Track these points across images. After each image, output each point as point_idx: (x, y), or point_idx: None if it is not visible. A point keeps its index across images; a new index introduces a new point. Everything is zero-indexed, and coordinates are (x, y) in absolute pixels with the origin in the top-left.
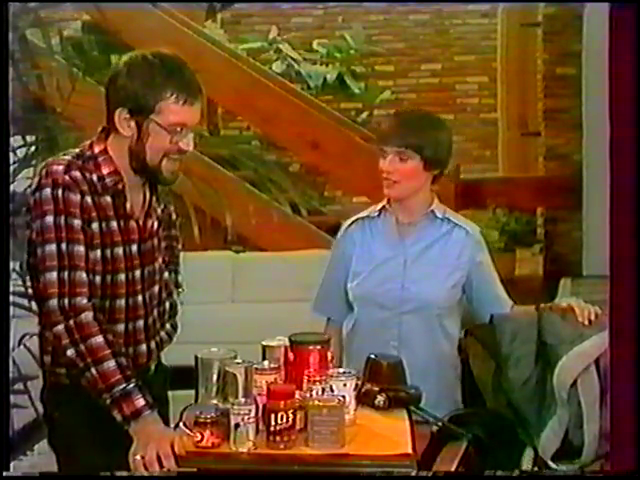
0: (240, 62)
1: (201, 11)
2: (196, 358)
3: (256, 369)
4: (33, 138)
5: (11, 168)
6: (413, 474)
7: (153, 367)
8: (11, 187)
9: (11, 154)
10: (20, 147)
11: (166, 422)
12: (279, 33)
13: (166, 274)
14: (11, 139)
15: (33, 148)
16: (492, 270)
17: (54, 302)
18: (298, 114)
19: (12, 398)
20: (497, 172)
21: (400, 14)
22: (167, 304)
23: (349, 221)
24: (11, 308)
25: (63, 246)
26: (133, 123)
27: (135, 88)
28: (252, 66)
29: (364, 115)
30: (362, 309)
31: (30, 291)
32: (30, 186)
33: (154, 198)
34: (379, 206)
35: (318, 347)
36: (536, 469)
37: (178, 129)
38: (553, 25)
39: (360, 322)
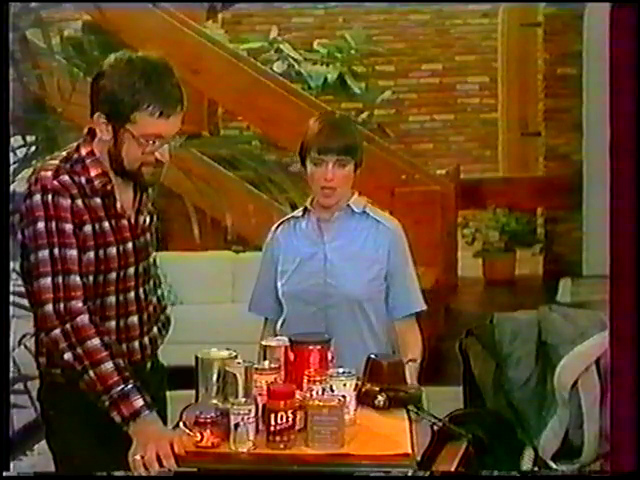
0: (241, 62)
1: (202, 11)
2: (196, 358)
3: (256, 369)
4: (33, 138)
5: (11, 168)
6: (413, 474)
7: (149, 365)
8: (11, 187)
9: (11, 154)
10: (20, 147)
11: (164, 422)
12: (280, 33)
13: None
14: (11, 139)
15: (33, 148)
16: (408, 267)
17: (49, 307)
18: (298, 114)
19: (12, 398)
20: (497, 172)
21: (400, 14)
22: (155, 298)
23: (277, 224)
24: (11, 308)
25: (56, 251)
26: (110, 128)
27: (113, 94)
28: (253, 66)
29: (365, 115)
30: (290, 306)
31: None
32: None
33: (144, 195)
34: (303, 207)
35: (318, 347)
36: (536, 469)
37: (152, 140)
38: (553, 25)
39: (289, 319)
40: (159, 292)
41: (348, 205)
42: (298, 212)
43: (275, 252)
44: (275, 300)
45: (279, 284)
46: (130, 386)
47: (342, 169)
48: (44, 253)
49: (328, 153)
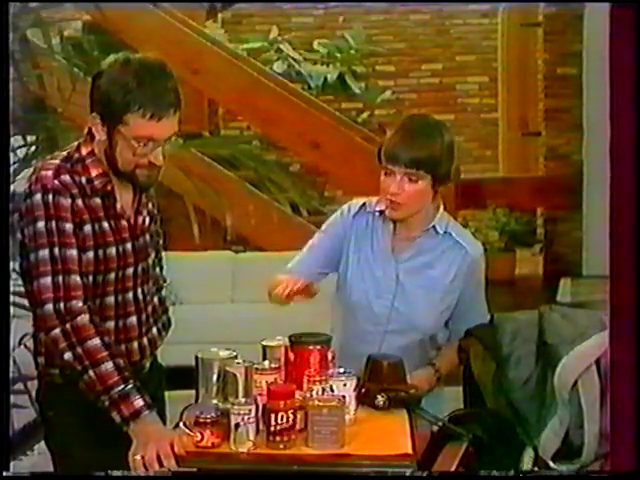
0: (241, 62)
1: (202, 11)
2: (196, 358)
3: (256, 369)
4: (33, 138)
5: (11, 168)
6: (413, 474)
7: (148, 365)
8: (11, 187)
9: (11, 154)
10: (20, 147)
11: (163, 422)
12: (280, 33)
13: (157, 269)
14: (11, 139)
15: (33, 148)
16: (480, 294)
17: (49, 307)
18: (298, 114)
19: (12, 398)
20: (497, 172)
21: (400, 14)
22: (156, 299)
23: (357, 205)
24: (11, 308)
25: (56, 251)
26: (105, 129)
27: (107, 94)
28: (253, 66)
29: (365, 115)
30: (347, 317)
31: None
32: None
33: (143, 195)
34: (380, 206)
35: (318, 347)
36: (536, 469)
37: (143, 143)
38: (553, 25)
39: (344, 330)
40: (162, 293)
41: (433, 226)
42: (375, 206)
43: (348, 234)
44: (320, 269)
45: (337, 289)
46: (130, 386)
47: (412, 184)
48: (44, 252)
49: (396, 164)
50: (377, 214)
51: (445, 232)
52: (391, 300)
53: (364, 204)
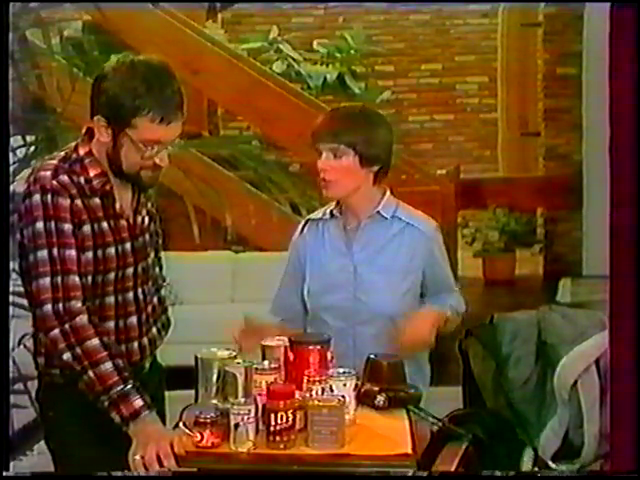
0: (240, 62)
1: (202, 11)
2: (196, 358)
3: (256, 369)
4: (33, 138)
5: (11, 168)
6: (413, 474)
7: (148, 365)
8: (11, 187)
9: (11, 154)
10: (20, 147)
11: (163, 422)
12: (279, 33)
13: (156, 269)
14: (11, 139)
15: (33, 148)
16: (446, 271)
17: (48, 307)
18: (298, 114)
19: (12, 398)
20: (497, 172)
21: (400, 14)
22: (155, 299)
23: (303, 222)
24: (11, 308)
25: (55, 251)
26: (110, 131)
27: (114, 98)
28: (252, 66)
29: None
30: (316, 319)
31: None
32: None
33: (142, 195)
34: (329, 209)
35: (318, 347)
36: (536, 469)
37: (151, 146)
38: (553, 25)
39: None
40: (161, 293)
41: (378, 212)
42: (325, 214)
43: (301, 255)
44: (299, 304)
45: (305, 295)
46: (129, 386)
47: (337, 160)
48: (43, 253)
49: (320, 141)
50: (328, 217)
51: (393, 216)
52: (352, 292)
53: (310, 220)
